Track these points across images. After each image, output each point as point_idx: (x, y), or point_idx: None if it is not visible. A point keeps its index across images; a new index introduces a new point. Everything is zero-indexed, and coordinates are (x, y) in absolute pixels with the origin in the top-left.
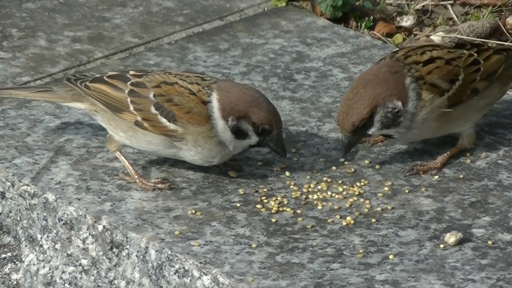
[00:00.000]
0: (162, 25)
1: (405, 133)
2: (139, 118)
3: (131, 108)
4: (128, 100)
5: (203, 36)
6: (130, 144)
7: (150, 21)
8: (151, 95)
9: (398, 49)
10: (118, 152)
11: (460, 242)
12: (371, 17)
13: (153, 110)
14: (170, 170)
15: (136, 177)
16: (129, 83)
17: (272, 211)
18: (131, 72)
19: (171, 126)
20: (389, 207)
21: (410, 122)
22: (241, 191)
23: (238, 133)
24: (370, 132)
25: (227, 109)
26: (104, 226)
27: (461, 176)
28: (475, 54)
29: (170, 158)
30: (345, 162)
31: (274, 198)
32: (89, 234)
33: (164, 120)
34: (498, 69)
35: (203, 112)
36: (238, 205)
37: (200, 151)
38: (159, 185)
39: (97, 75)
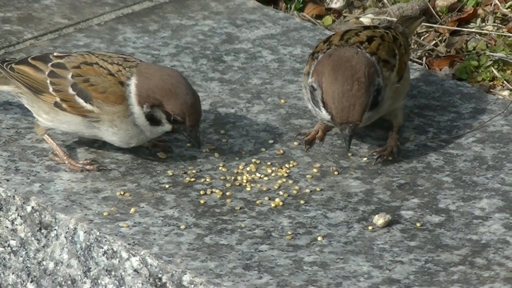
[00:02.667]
0: (91, 6)
1: (376, 111)
2: (58, 99)
3: (51, 89)
4: (48, 81)
5: (132, 17)
6: (53, 126)
7: (79, 2)
8: (69, 76)
9: (329, 35)
10: (46, 135)
11: (388, 224)
12: None
13: (70, 91)
14: (99, 151)
15: (65, 158)
16: (49, 64)
17: (201, 192)
18: (54, 54)
19: (88, 106)
20: (317, 189)
21: (382, 99)
22: (170, 172)
23: (152, 120)
24: (374, 111)
25: (143, 96)
26: (32, 207)
27: (389, 158)
28: (390, 30)
29: (94, 139)
30: (274, 144)
31: (202, 180)
32: (18, 215)
33: (81, 101)
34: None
35: (118, 92)
36: (167, 186)
37: (116, 132)
38: (88, 166)
39: (23, 58)
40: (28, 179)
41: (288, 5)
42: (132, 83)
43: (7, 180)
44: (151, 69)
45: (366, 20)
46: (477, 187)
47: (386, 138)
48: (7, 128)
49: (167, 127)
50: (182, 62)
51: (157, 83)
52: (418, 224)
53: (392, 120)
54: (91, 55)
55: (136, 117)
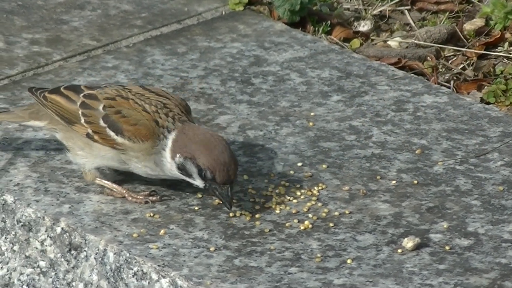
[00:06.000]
0: (120, 28)
1: None
2: (89, 131)
3: (82, 120)
4: (80, 112)
5: (161, 40)
6: (89, 163)
7: (108, 24)
8: (101, 108)
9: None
10: (97, 179)
11: (417, 247)
12: (329, 22)
13: (101, 123)
14: (128, 173)
15: (124, 191)
16: (81, 95)
17: (230, 214)
18: (86, 85)
19: (118, 139)
20: (346, 212)
21: None
22: (199, 194)
23: (184, 171)
24: None
25: (178, 145)
26: (62, 228)
27: (418, 182)
28: None
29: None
30: (303, 166)
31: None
32: (48, 236)
33: (112, 133)
34: None
35: (150, 127)
36: (196, 208)
37: (147, 165)
38: (151, 198)
39: (56, 87)
40: (58, 200)
41: (316, 28)
42: (171, 137)
43: (37, 201)
44: (194, 129)
45: (393, 43)
46: (505, 211)
47: (415, 161)
48: (36, 149)
49: (199, 182)
50: (210, 84)
51: (195, 138)
52: (447, 248)
53: None
54: (127, 92)
55: (166, 163)
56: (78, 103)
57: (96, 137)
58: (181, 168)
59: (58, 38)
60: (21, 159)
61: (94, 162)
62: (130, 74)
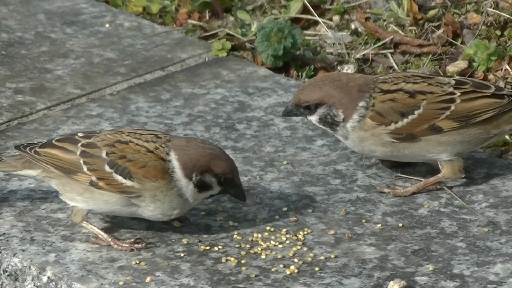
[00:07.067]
0: (103, 76)
1: (342, 139)
2: (93, 178)
3: (85, 169)
4: (81, 161)
5: (145, 87)
6: (88, 207)
7: (91, 72)
8: (104, 154)
9: (391, 72)
10: (84, 222)
11: None
12: (312, 66)
13: (107, 168)
14: (114, 221)
15: (109, 239)
16: (79, 144)
17: (216, 260)
18: (79, 134)
19: (128, 182)
20: (332, 256)
21: (345, 135)
22: (185, 241)
23: (202, 186)
24: (309, 118)
25: (189, 167)
26: (48, 277)
27: (403, 224)
28: (457, 93)
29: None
30: (288, 211)
31: (217, 248)
32: (34, 285)
33: (119, 178)
34: (482, 113)
35: (159, 165)
36: (182, 254)
37: (160, 206)
38: (136, 245)
39: (45, 141)
40: (44, 249)
41: (300, 73)
42: (173, 158)
43: (23, 251)
44: (183, 141)
45: None
46: (491, 252)
47: (400, 204)
48: (22, 199)
49: (216, 189)
50: (195, 130)
51: (197, 151)
52: None
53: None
54: (121, 134)
55: (182, 187)
56: (78, 153)
57: (101, 183)
58: (199, 184)
59: (42, 86)
60: (7, 208)
61: (94, 206)
62: (114, 122)
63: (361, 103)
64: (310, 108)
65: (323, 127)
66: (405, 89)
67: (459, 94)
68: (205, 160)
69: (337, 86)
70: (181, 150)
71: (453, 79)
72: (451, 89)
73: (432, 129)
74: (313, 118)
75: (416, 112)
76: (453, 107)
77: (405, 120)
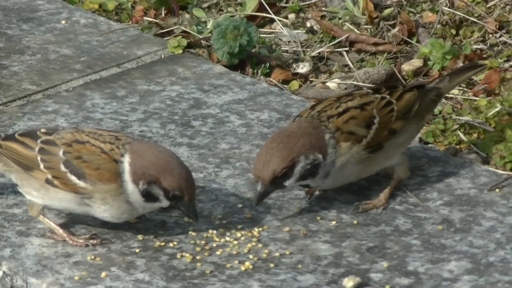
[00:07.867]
0: (59, 73)
1: (320, 182)
2: (49, 176)
3: (42, 166)
4: (39, 158)
5: (100, 83)
6: (43, 203)
7: (47, 68)
8: (61, 153)
9: (314, 103)
10: (41, 216)
11: (358, 287)
12: (268, 64)
13: (62, 168)
14: (69, 217)
15: (65, 235)
16: (39, 141)
17: (171, 256)
18: (42, 130)
19: (81, 183)
20: (287, 252)
21: (327, 172)
22: (140, 236)
23: (149, 196)
24: (286, 183)
25: (138, 173)
26: (4, 272)
27: (358, 222)
28: (387, 96)
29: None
30: (243, 208)
31: (173, 244)
32: None
33: (73, 178)
34: (412, 106)
35: (112, 169)
36: (137, 250)
37: (109, 209)
38: (91, 241)
39: (9, 134)
40: None
41: (255, 70)
42: (126, 161)
43: None
44: (143, 146)
45: (332, 85)
46: (445, 250)
47: (353, 202)
48: None
49: (165, 203)
50: (150, 127)
51: (151, 159)
52: (387, 287)
53: (394, 174)
54: (81, 133)
55: (129, 194)
56: (36, 149)
57: (56, 182)
58: (145, 193)
59: None
60: None
61: (49, 203)
62: (70, 118)
63: (327, 136)
64: (287, 174)
65: (303, 182)
66: (352, 106)
67: (388, 95)
68: (156, 171)
69: (295, 137)
70: (136, 155)
71: (366, 90)
72: (378, 95)
73: (390, 133)
74: (291, 181)
75: (375, 121)
76: (395, 107)
77: (371, 131)
